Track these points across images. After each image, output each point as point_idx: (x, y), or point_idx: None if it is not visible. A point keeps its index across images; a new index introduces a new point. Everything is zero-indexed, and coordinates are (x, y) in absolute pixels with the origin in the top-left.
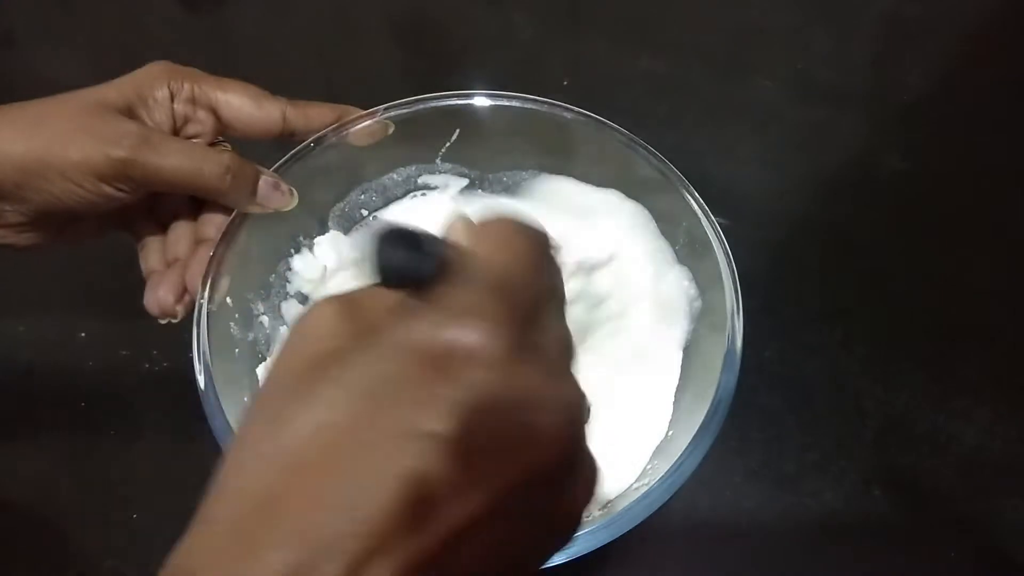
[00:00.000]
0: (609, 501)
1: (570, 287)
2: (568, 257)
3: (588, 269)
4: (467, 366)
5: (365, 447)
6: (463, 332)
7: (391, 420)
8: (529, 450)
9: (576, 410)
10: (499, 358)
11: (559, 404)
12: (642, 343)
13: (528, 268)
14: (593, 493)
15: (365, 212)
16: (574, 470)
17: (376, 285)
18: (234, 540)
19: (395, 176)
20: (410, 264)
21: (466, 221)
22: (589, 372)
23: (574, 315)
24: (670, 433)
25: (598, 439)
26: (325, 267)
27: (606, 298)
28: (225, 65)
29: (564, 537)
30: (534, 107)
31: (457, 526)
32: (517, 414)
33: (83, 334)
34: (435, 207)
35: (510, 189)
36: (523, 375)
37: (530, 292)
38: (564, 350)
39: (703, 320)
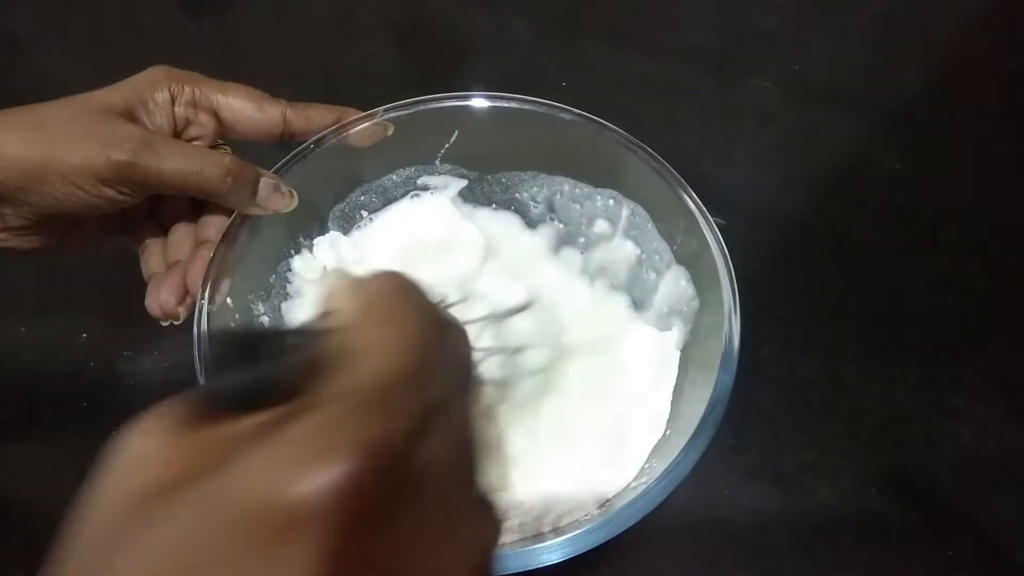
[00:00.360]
0: (608, 499)
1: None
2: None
3: (500, 317)
4: (317, 531)
5: None
6: (313, 479)
7: None
8: None
9: (481, 554)
10: (367, 514)
11: (457, 557)
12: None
13: (420, 350)
14: None
15: (365, 213)
16: None
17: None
18: None
19: (395, 177)
20: (249, 384)
21: (346, 287)
22: (586, 376)
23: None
24: (668, 432)
25: (601, 438)
26: (324, 267)
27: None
28: (226, 67)
29: None
30: (533, 108)
31: None
32: None
33: (85, 335)
34: (434, 208)
35: (509, 190)
36: (405, 528)
37: (423, 386)
38: (468, 457)
39: (700, 320)
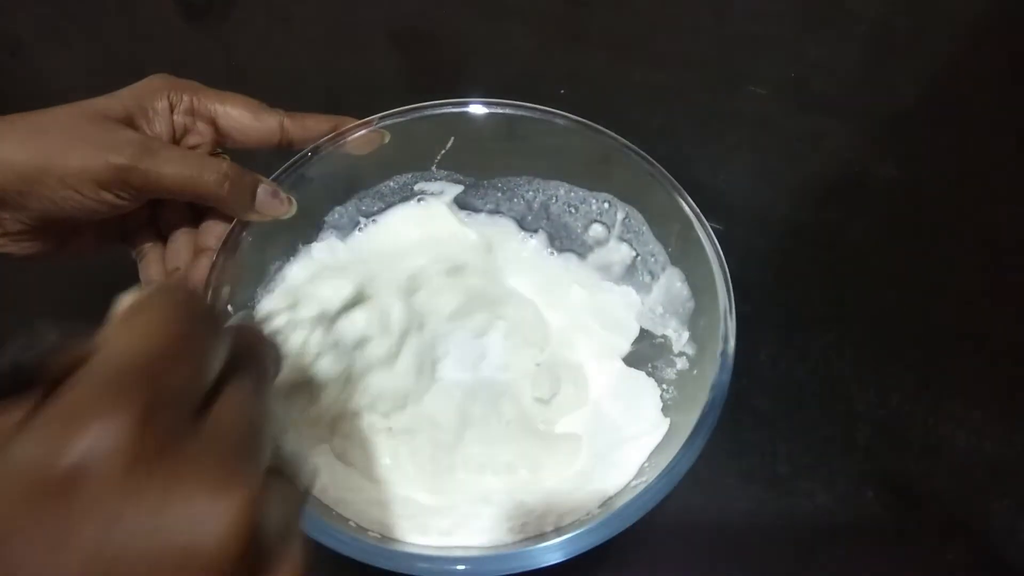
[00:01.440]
0: (608, 498)
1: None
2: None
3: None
4: (78, 492)
5: None
6: (66, 445)
7: None
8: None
9: (241, 516)
10: (118, 468)
11: (213, 515)
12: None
13: (175, 344)
14: None
15: (362, 219)
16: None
17: None
18: None
19: (391, 183)
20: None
21: (128, 304)
22: (587, 374)
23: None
24: (667, 432)
25: (599, 438)
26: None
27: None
28: (226, 74)
29: None
30: (527, 114)
31: None
32: (155, 537)
33: None
34: (431, 213)
35: (505, 194)
36: (157, 483)
37: (177, 373)
38: (238, 436)
39: (696, 321)
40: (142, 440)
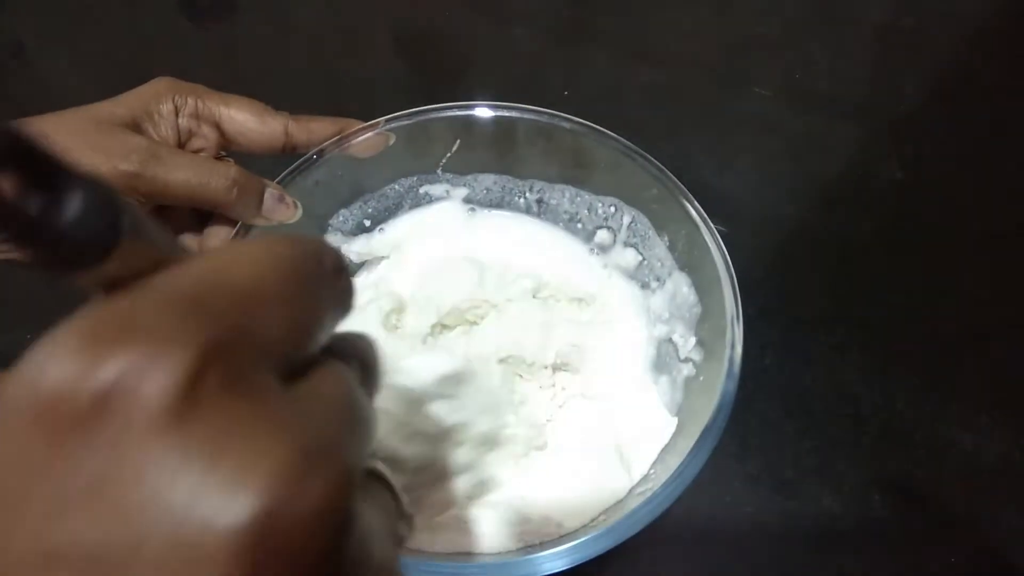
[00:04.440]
0: (613, 506)
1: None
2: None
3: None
4: (100, 431)
5: None
6: (100, 366)
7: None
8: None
9: (326, 503)
10: (159, 410)
11: (291, 495)
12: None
13: (287, 286)
14: None
15: (368, 222)
16: None
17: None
18: None
19: (396, 186)
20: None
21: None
22: (591, 382)
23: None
24: (672, 438)
25: (604, 445)
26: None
27: None
28: (230, 77)
29: None
30: (533, 117)
31: None
32: (185, 515)
33: None
34: (436, 217)
35: (510, 197)
36: (205, 442)
37: (277, 318)
38: (337, 412)
39: (703, 326)
40: (199, 381)
